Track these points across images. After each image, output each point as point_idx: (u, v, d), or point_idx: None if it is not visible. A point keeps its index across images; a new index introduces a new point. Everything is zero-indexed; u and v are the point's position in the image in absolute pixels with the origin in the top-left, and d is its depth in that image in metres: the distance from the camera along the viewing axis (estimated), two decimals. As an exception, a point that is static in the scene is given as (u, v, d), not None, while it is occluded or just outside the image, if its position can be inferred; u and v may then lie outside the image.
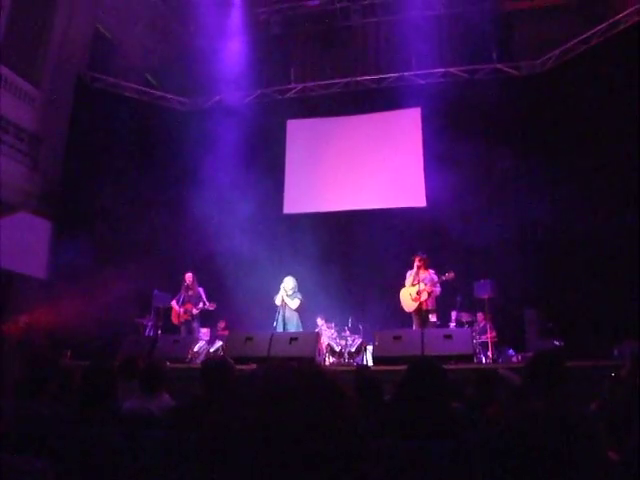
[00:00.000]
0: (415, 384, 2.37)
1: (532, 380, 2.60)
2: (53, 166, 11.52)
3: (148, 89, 12.97)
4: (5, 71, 10.69)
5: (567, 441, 1.95)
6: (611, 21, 10.17)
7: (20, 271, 10.19)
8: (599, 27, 10.35)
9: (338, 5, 13.88)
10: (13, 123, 10.83)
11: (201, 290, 9.53)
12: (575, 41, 10.76)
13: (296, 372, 0.76)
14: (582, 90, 10.11)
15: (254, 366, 5.26)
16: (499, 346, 9.04)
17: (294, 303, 9.02)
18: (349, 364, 8.27)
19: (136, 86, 12.72)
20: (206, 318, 9.99)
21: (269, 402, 0.71)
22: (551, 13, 12.21)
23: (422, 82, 11.95)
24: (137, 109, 12.22)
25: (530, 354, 7.91)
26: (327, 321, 9.70)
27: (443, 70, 11.91)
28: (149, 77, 14.01)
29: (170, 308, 9.49)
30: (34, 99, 11.44)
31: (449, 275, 8.47)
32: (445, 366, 4.61)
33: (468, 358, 7.14)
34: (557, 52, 11.08)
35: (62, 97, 11.83)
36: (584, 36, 10.61)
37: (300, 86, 12.82)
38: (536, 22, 12.23)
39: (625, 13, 9.95)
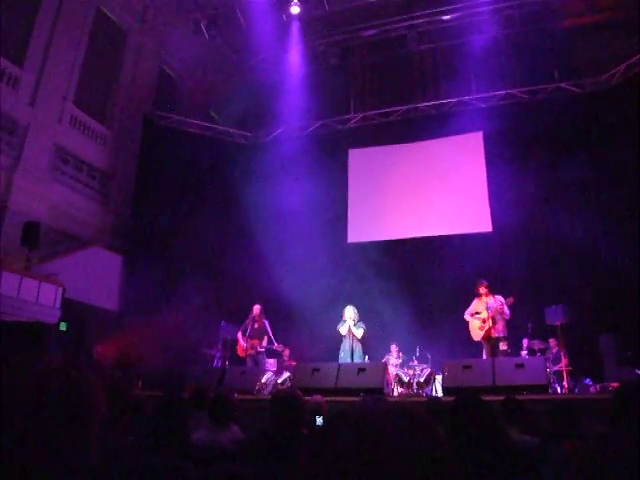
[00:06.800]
0: (461, 419, 2.25)
1: (620, 413, 2.40)
2: (123, 202, 11.99)
3: (212, 125, 13.34)
4: (78, 113, 11.29)
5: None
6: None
7: (93, 303, 10.56)
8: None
9: (394, 33, 13.96)
10: (86, 162, 11.39)
11: (267, 323, 9.45)
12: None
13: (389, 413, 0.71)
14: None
15: (319, 397, 5.17)
16: (574, 375, 8.60)
17: (359, 332, 8.90)
18: (418, 395, 8.05)
19: (200, 122, 13.12)
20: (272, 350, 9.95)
21: (364, 442, 0.66)
22: (613, 28, 11.77)
23: (483, 105, 11.78)
24: (202, 144, 12.56)
25: (609, 384, 7.47)
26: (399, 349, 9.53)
27: (504, 92, 11.68)
28: (212, 113, 14.43)
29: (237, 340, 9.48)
30: (105, 138, 12.00)
31: (509, 300, 8.24)
32: (517, 397, 4.42)
33: (542, 388, 6.79)
34: (622, 67, 10.67)
35: (130, 136, 12.37)
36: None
37: (360, 115, 12.88)
38: (598, 37, 11.80)
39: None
